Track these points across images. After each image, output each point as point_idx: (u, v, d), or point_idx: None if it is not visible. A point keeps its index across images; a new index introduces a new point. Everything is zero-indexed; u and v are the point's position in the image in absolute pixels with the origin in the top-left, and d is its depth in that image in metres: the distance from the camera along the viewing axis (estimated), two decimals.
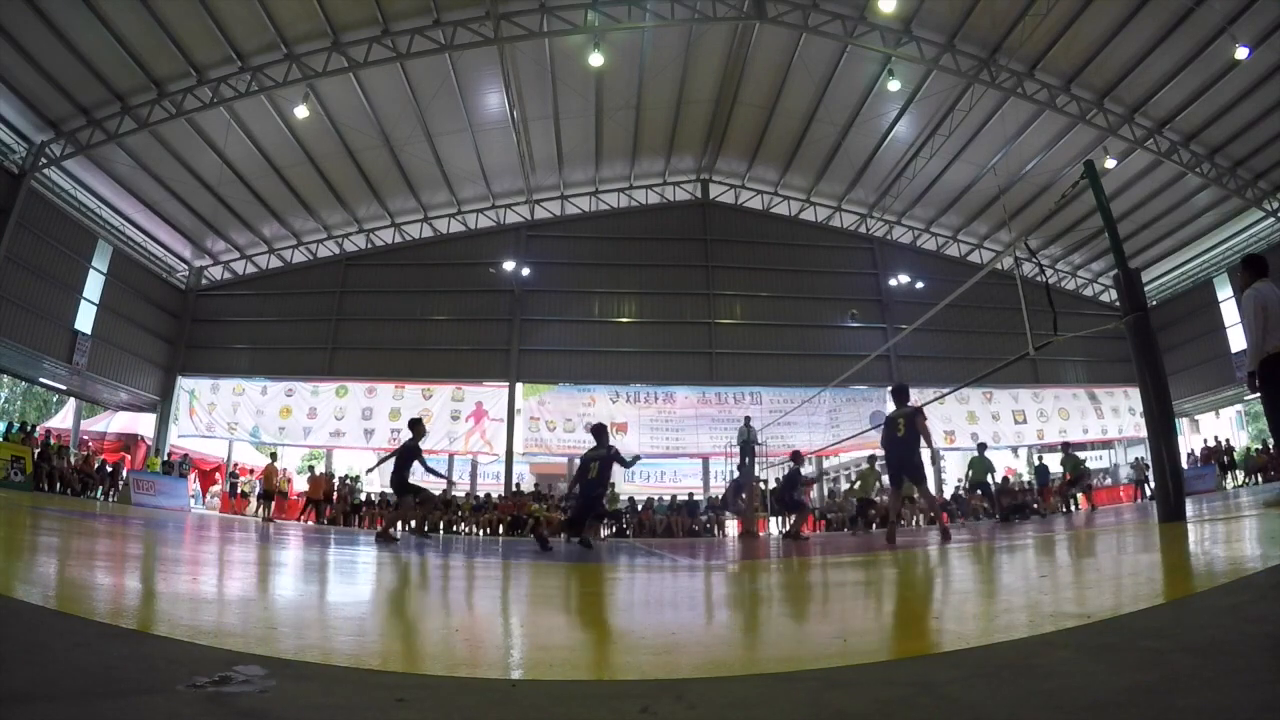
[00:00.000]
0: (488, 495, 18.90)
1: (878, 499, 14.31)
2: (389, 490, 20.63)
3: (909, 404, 7.63)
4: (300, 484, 20.21)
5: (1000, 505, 13.48)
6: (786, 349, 21.68)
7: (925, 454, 7.64)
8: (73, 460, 16.55)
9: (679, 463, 21.36)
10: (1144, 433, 5.28)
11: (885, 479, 9.57)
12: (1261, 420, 26.12)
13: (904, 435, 7.40)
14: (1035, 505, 14.29)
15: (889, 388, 8.43)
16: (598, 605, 2.93)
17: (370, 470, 10.79)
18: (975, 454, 14.17)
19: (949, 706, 1.03)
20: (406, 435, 9.00)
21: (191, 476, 19.94)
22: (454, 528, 17.29)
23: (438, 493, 13.57)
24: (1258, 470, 17.19)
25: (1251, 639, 1.30)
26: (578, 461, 8.48)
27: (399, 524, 9.84)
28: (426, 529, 10.67)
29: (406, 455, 8.66)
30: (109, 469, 17.22)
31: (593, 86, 17.57)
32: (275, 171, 18.58)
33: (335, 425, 20.66)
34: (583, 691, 1.24)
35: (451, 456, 21.26)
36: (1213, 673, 1.07)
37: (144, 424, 20.77)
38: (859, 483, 14.68)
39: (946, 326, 16.98)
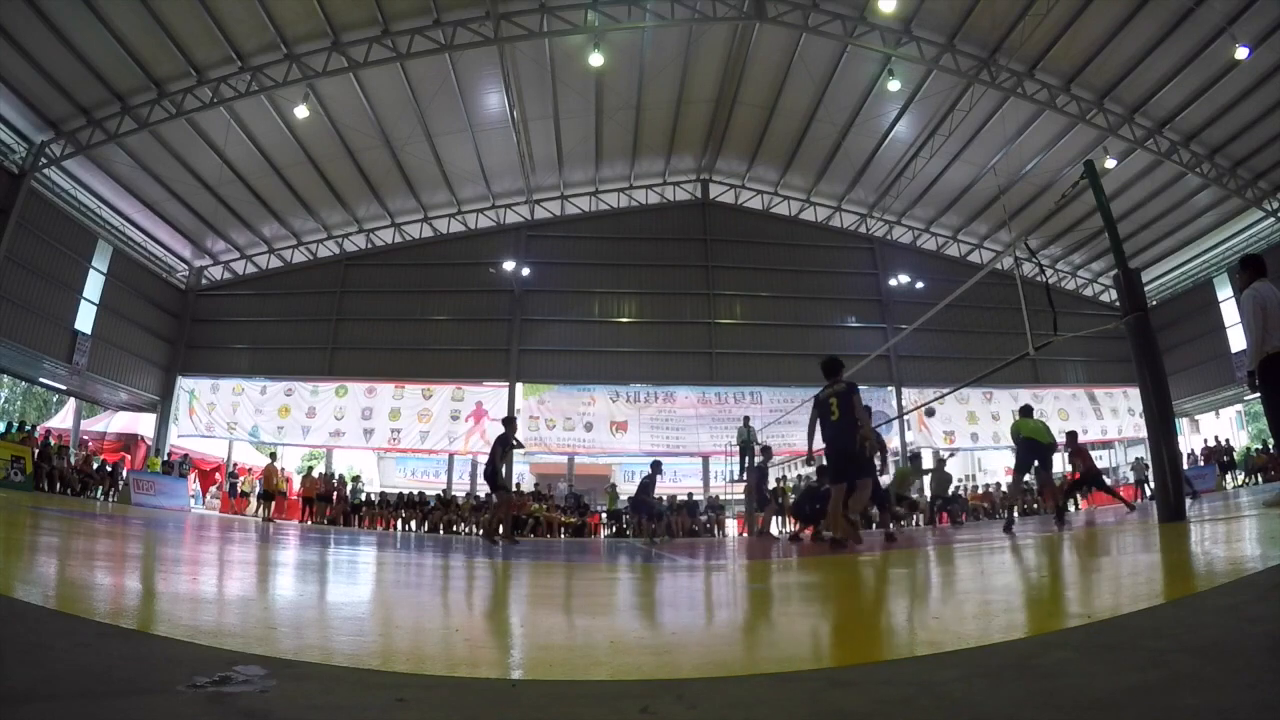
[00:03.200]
0: (488, 495, 18.87)
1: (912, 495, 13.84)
2: (389, 491, 20.73)
3: (842, 379, 6.26)
4: (299, 484, 20.20)
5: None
6: (786, 349, 21.68)
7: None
8: (73, 460, 16.55)
9: (679, 462, 21.36)
10: (1144, 433, 5.27)
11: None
12: (1261, 420, 26.10)
13: (839, 419, 5.98)
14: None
15: (822, 362, 6.52)
16: (598, 605, 2.93)
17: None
18: (934, 466, 13.76)
19: (949, 706, 1.03)
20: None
21: (191, 476, 19.94)
22: (454, 528, 17.31)
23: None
24: (1258, 470, 17.19)
25: (1251, 639, 1.29)
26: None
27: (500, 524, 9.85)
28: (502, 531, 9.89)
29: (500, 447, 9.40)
30: (109, 469, 17.22)
31: (593, 86, 17.57)
32: (275, 171, 18.59)
33: (335, 425, 20.67)
34: (583, 691, 1.24)
35: (451, 456, 21.28)
36: (1213, 673, 1.07)
37: (144, 424, 20.78)
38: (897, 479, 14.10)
39: (946, 326, 17.00)
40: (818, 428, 6.21)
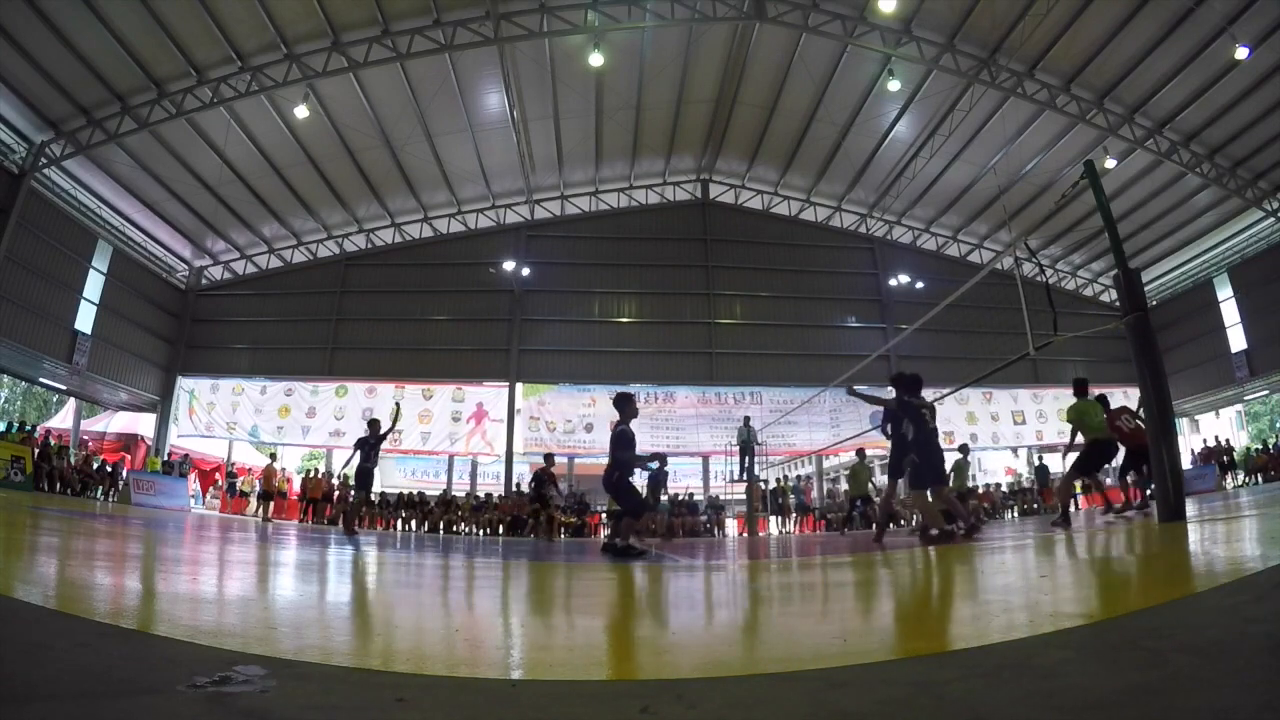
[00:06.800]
0: (488, 495, 18.90)
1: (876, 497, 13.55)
2: (389, 491, 20.70)
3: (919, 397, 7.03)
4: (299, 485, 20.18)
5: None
6: (786, 349, 21.68)
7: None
8: (73, 460, 16.55)
9: (679, 462, 21.34)
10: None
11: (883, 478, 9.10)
12: (1261, 420, 26.12)
13: (934, 428, 6.81)
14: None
15: (891, 376, 7.63)
16: (597, 605, 2.93)
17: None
18: (857, 463, 12.86)
19: (949, 706, 1.03)
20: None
21: (191, 476, 19.94)
22: (454, 528, 17.30)
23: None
24: (1258, 470, 17.19)
25: (1251, 639, 1.29)
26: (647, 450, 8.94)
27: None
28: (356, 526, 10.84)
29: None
30: (109, 469, 17.21)
31: (593, 86, 17.56)
32: (275, 171, 18.58)
33: (335, 425, 20.66)
34: (583, 691, 1.24)
35: (452, 458, 21.28)
36: (1213, 673, 1.07)
37: (144, 424, 20.77)
38: (852, 480, 13.80)
39: (946, 326, 16.98)
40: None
